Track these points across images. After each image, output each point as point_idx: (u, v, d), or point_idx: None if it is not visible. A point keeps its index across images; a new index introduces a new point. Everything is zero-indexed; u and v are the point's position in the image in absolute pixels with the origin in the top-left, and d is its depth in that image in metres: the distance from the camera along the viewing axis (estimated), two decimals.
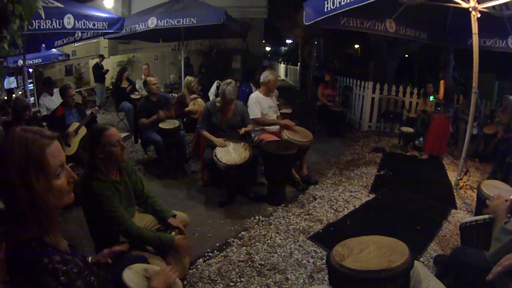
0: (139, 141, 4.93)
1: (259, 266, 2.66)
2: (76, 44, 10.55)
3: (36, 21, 3.79)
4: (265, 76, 4.25)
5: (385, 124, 7.31)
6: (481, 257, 1.80)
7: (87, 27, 4.71)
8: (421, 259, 2.78)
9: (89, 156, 2.00)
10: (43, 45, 6.71)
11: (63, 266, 0.95)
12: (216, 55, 11.55)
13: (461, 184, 4.30)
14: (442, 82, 5.13)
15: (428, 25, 5.62)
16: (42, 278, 0.91)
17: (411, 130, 5.93)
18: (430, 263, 2.72)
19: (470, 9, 3.82)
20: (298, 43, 19.53)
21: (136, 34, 6.86)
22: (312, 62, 8.09)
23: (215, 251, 2.86)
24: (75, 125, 3.99)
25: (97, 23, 4.87)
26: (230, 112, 3.82)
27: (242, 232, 3.16)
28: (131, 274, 1.50)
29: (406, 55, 12.87)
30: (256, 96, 4.22)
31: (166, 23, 6.00)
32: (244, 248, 2.91)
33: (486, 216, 2.09)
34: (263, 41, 14.68)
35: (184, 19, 5.95)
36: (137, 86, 7.04)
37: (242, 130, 3.76)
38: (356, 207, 3.74)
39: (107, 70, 9.59)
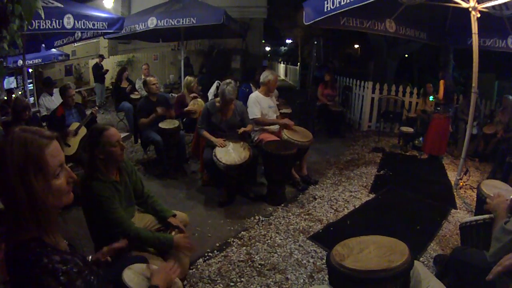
0: (139, 141, 4.93)
1: (259, 266, 2.66)
2: (76, 44, 10.55)
3: (36, 21, 3.79)
4: (265, 76, 4.25)
5: (385, 124, 7.31)
6: (481, 257, 1.80)
7: (87, 27, 4.71)
8: (421, 259, 2.78)
9: (89, 156, 2.00)
10: (43, 45, 6.72)
11: (63, 266, 0.95)
12: (217, 55, 11.55)
13: (461, 184, 4.30)
14: (441, 82, 5.13)
15: (428, 25, 5.62)
16: (42, 278, 0.91)
17: (411, 130, 5.93)
18: (430, 263, 2.72)
19: (470, 9, 3.82)
20: (298, 43, 19.53)
21: (136, 34, 6.87)
22: (312, 62, 8.08)
23: (215, 251, 2.86)
24: (75, 125, 3.99)
25: (97, 23, 4.87)
26: (229, 112, 3.82)
27: (242, 232, 3.16)
28: (131, 274, 1.50)
29: (406, 55, 12.87)
30: (256, 96, 4.22)
31: (166, 23, 6.01)
32: (244, 248, 2.91)
33: (486, 216, 2.09)
34: (263, 41, 14.70)
35: (184, 19, 5.96)
36: (137, 86, 7.04)
37: (241, 130, 3.76)
38: (356, 207, 3.74)
39: (107, 70, 9.59)
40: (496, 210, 1.94)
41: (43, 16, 3.57)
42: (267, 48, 28.72)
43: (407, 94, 7.29)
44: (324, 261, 2.55)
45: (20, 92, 8.19)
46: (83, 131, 3.95)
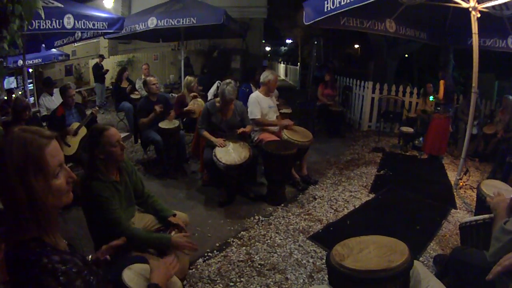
0: (139, 141, 4.93)
1: (259, 266, 2.66)
2: (76, 44, 10.56)
3: (36, 21, 3.79)
4: (265, 76, 4.25)
5: (385, 124, 7.31)
6: (481, 257, 1.80)
7: (87, 27, 4.71)
8: (420, 258, 2.78)
9: (89, 156, 2.00)
10: (43, 45, 6.71)
11: (62, 266, 0.95)
12: (218, 56, 11.54)
13: (461, 184, 4.30)
14: (442, 82, 5.13)
15: (428, 25, 5.62)
16: (42, 278, 0.91)
17: (411, 130, 5.93)
18: (430, 262, 2.72)
19: (470, 9, 3.82)
20: (298, 43, 19.56)
21: (136, 34, 6.87)
22: (312, 62, 8.11)
23: (215, 251, 2.86)
24: (75, 125, 3.99)
25: (97, 23, 4.87)
26: (229, 112, 3.82)
27: (242, 232, 3.16)
28: (131, 274, 1.50)
29: (406, 55, 12.87)
30: (256, 96, 4.22)
31: (166, 23, 6.01)
32: (244, 248, 2.91)
33: (486, 216, 2.09)
34: (263, 41, 14.69)
35: (184, 19, 5.96)
36: (137, 86, 7.05)
37: (239, 130, 3.75)
38: (356, 207, 3.74)
39: (107, 70, 9.59)
40: (496, 209, 1.94)
41: (43, 16, 3.57)
42: (267, 48, 28.74)
43: (407, 94, 7.28)
44: (324, 261, 2.56)
45: (20, 92, 8.19)
46: (83, 131, 3.95)
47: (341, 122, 7.11)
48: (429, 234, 3.17)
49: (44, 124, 4.60)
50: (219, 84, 5.80)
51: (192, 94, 5.09)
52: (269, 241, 3.02)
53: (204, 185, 4.17)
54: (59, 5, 4.31)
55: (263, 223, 3.34)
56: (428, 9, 4.83)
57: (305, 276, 2.56)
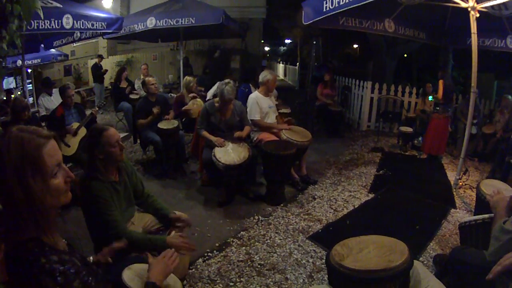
0: (138, 141, 4.93)
1: (259, 266, 2.66)
2: (75, 44, 10.54)
3: (35, 21, 3.78)
4: (264, 75, 4.25)
5: (384, 124, 7.30)
6: (480, 257, 1.79)
7: (86, 27, 4.70)
8: (420, 258, 2.78)
9: (89, 156, 2.01)
10: (42, 45, 6.71)
11: (61, 266, 0.95)
12: (219, 56, 11.53)
13: (460, 183, 4.31)
14: (441, 81, 5.14)
15: (427, 25, 5.62)
16: (40, 278, 0.91)
17: (410, 129, 5.94)
18: (429, 262, 2.72)
19: (469, 9, 3.83)
20: (297, 43, 19.56)
21: (135, 34, 6.86)
22: (311, 62, 8.11)
23: (215, 251, 2.85)
24: (75, 125, 3.99)
25: (96, 23, 4.86)
26: (228, 112, 3.82)
27: (242, 232, 3.16)
28: (131, 274, 1.50)
29: (405, 55, 12.88)
30: (255, 96, 4.22)
31: (165, 23, 6.00)
32: (244, 248, 2.91)
33: (486, 215, 2.09)
34: (262, 41, 14.68)
35: (183, 19, 5.95)
36: (136, 86, 7.04)
37: (236, 134, 3.74)
38: (356, 207, 3.74)
39: (106, 70, 9.58)
40: (496, 208, 1.94)
41: (42, 16, 3.56)
42: (266, 48, 28.73)
43: (406, 94, 7.29)
44: (324, 261, 2.55)
45: (19, 92, 8.20)
46: (83, 131, 3.95)
47: (340, 122, 7.11)
48: (429, 234, 3.17)
49: (43, 124, 4.60)
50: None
51: (191, 95, 5.08)
52: (268, 241, 3.02)
53: (204, 185, 4.17)
54: (58, 5, 4.31)
55: (262, 223, 3.34)
56: (427, 9, 4.83)
57: (305, 276, 2.56)
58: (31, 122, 3.63)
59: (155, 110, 4.39)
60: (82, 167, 3.79)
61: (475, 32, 3.90)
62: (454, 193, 4.17)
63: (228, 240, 3.02)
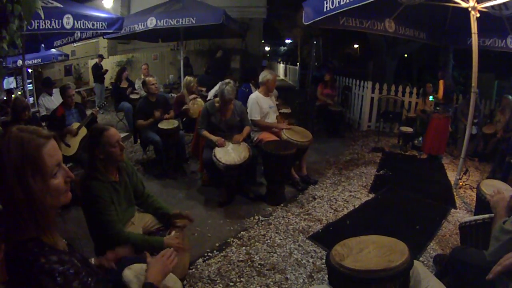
0: (138, 141, 4.93)
1: (259, 266, 2.66)
2: (75, 44, 10.55)
3: (36, 21, 3.79)
4: (264, 75, 4.25)
5: (385, 124, 7.31)
6: (480, 257, 1.79)
7: (86, 27, 4.70)
8: (420, 258, 2.78)
9: (89, 156, 2.01)
10: (43, 45, 6.71)
11: (60, 266, 0.95)
12: (221, 56, 11.53)
13: (461, 183, 4.30)
14: (441, 81, 5.14)
15: (427, 25, 5.62)
16: (40, 278, 0.91)
17: (410, 129, 5.93)
18: (429, 262, 2.72)
19: (470, 9, 3.83)
20: (297, 43, 19.56)
21: (135, 34, 6.87)
22: (311, 62, 8.10)
23: (215, 251, 2.85)
24: (75, 125, 3.99)
25: (96, 23, 4.86)
26: (229, 112, 3.82)
27: (242, 232, 3.16)
28: (131, 274, 1.50)
29: (406, 55, 12.87)
30: (256, 96, 4.22)
31: (165, 23, 6.01)
32: (244, 248, 2.91)
33: (486, 215, 2.09)
34: (262, 41, 14.69)
35: (183, 19, 5.96)
36: (136, 86, 7.04)
37: (235, 139, 3.70)
38: (356, 207, 3.74)
39: (107, 70, 9.58)
40: (496, 208, 1.94)
41: (42, 16, 3.56)
42: (267, 48, 28.74)
43: (406, 94, 7.28)
44: (324, 261, 2.56)
45: (19, 92, 8.20)
46: (83, 131, 3.95)
47: (340, 122, 7.11)
48: (429, 234, 3.17)
49: (44, 124, 4.60)
50: None
51: (192, 96, 5.08)
52: (269, 241, 3.02)
53: (204, 185, 4.17)
54: (59, 5, 4.31)
55: (262, 223, 3.34)
56: (427, 9, 4.84)
57: (305, 276, 2.56)
58: (31, 122, 3.63)
59: (157, 113, 4.39)
60: (82, 167, 3.79)
61: (476, 32, 3.90)
62: (454, 193, 4.17)
63: (228, 240, 3.02)
